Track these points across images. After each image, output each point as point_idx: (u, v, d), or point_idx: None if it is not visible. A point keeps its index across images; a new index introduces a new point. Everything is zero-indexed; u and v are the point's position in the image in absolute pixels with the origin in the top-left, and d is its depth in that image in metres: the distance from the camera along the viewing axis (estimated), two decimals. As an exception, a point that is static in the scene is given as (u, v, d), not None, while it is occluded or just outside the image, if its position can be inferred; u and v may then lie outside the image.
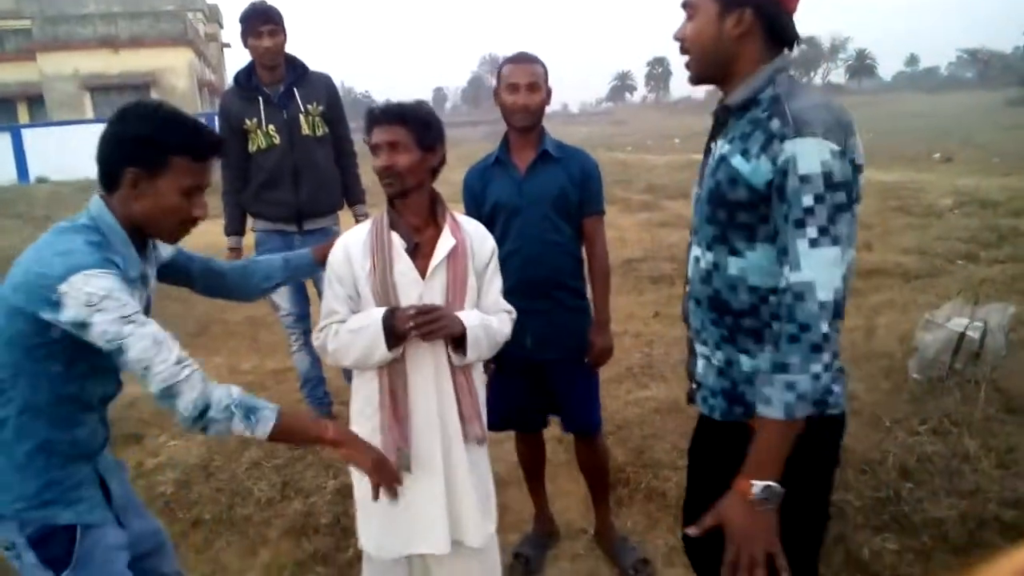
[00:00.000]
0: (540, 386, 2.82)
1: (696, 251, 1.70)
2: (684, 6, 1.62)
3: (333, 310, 2.14)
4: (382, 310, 2.02)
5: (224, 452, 3.89)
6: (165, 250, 1.99)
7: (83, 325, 1.53)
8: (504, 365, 2.67)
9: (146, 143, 1.65)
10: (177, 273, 2.09)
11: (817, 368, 1.42)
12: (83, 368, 1.69)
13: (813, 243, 1.41)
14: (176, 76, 28.20)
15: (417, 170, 2.06)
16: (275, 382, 4.85)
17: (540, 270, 2.67)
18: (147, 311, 1.80)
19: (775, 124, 1.47)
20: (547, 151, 2.69)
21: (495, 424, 2.61)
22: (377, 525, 2.19)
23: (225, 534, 3.28)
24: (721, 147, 1.60)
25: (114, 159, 1.67)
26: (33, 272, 1.57)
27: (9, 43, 28.20)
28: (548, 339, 2.71)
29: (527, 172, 2.69)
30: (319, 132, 3.82)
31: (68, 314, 1.52)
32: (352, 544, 3.00)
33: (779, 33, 1.57)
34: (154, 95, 27.62)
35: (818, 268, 1.41)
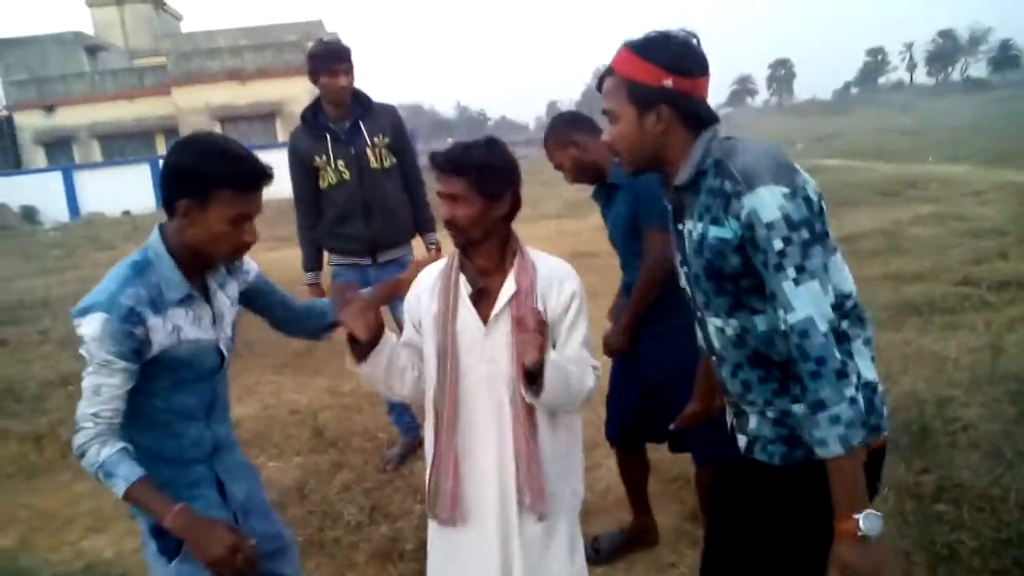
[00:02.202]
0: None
1: (716, 322, 1.72)
2: (604, 113, 1.74)
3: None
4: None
5: (317, 475, 3.99)
6: (250, 272, 2.12)
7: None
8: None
9: (192, 176, 1.76)
10: (256, 299, 2.19)
11: (850, 392, 1.48)
12: (166, 383, 1.86)
13: (796, 282, 1.49)
14: (299, 104, 29.06)
15: (481, 221, 1.93)
16: (370, 404, 4.94)
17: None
18: (215, 323, 1.95)
19: (728, 185, 1.56)
20: (613, 183, 2.85)
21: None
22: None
23: (316, 556, 3.35)
24: (694, 227, 1.67)
25: (168, 190, 1.80)
26: None
27: (148, 79, 30.34)
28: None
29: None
30: (387, 164, 3.86)
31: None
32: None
33: (699, 119, 1.67)
34: (279, 124, 29.11)
35: (809, 304, 1.49)
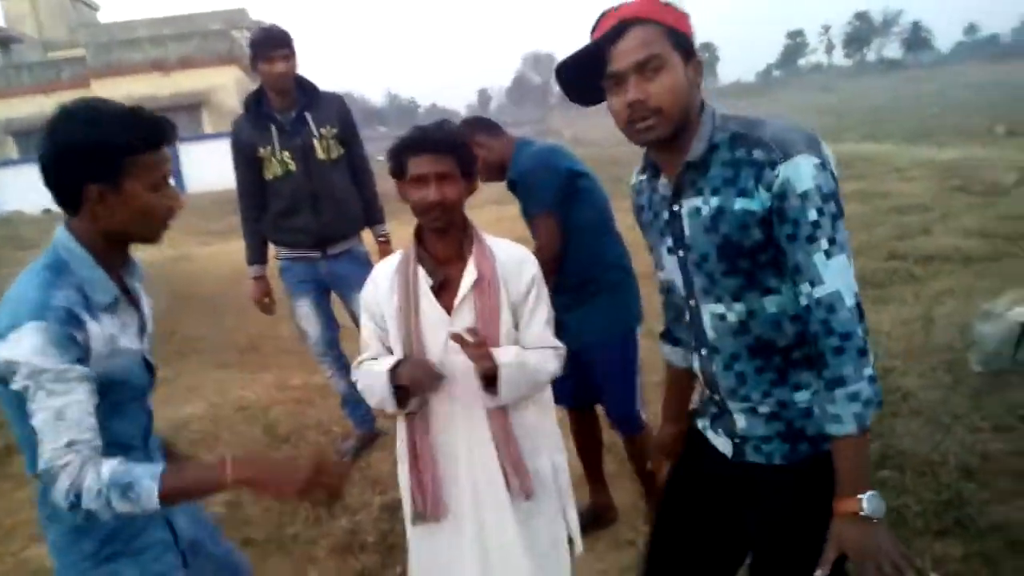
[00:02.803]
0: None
1: (716, 309, 1.62)
2: (642, 65, 1.49)
3: (367, 344, 2.07)
4: (390, 362, 1.92)
5: (272, 471, 3.93)
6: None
7: (3, 379, 1.44)
8: None
9: (96, 152, 1.49)
10: None
11: (869, 371, 1.45)
12: (102, 408, 1.51)
13: (827, 254, 1.44)
14: (226, 94, 28.77)
15: (462, 201, 1.95)
16: (321, 398, 4.88)
17: None
18: (142, 331, 1.70)
19: (759, 154, 1.48)
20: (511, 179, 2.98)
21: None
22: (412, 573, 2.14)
23: (276, 554, 3.30)
24: (704, 204, 1.56)
25: (68, 180, 1.52)
26: None
27: (65, 72, 29.09)
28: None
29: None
30: (334, 155, 3.76)
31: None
32: (398, 561, 2.99)
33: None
34: (205, 115, 28.29)
35: (838, 277, 1.44)
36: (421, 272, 1.96)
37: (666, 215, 1.65)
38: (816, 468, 1.57)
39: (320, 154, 3.70)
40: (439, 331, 1.93)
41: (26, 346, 1.40)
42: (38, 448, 1.42)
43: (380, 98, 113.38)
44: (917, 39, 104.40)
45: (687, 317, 1.72)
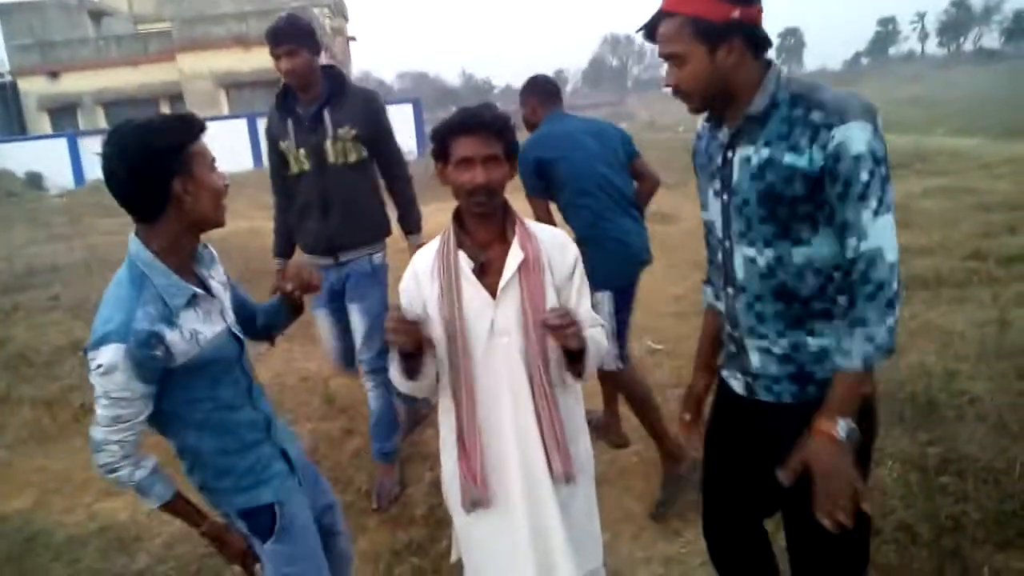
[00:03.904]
0: None
1: (748, 252, 1.77)
2: (669, 57, 1.72)
3: None
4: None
5: (329, 442, 4.05)
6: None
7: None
8: None
9: (168, 151, 1.72)
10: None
11: (891, 322, 1.58)
12: (204, 384, 1.88)
13: (875, 213, 1.57)
14: (304, 70, 29.30)
15: (506, 184, 1.94)
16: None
17: None
18: (222, 311, 1.94)
19: (817, 116, 1.61)
20: None
21: None
22: (468, 564, 2.11)
23: (327, 520, 3.40)
24: (755, 153, 1.70)
25: (155, 184, 1.73)
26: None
27: (152, 45, 30.03)
28: None
29: None
30: (353, 158, 3.37)
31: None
32: (445, 536, 3.05)
33: (761, 44, 1.71)
34: (284, 90, 28.84)
35: (883, 235, 1.57)
36: (462, 255, 1.94)
37: (719, 160, 1.81)
38: (800, 413, 1.72)
39: (331, 157, 3.35)
40: (483, 314, 1.92)
41: (108, 361, 1.69)
42: (92, 424, 1.80)
43: (455, 78, 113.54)
44: (1020, 28, 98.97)
45: (719, 257, 1.88)
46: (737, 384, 1.93)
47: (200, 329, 1.83)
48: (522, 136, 2.53)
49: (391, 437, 3.69)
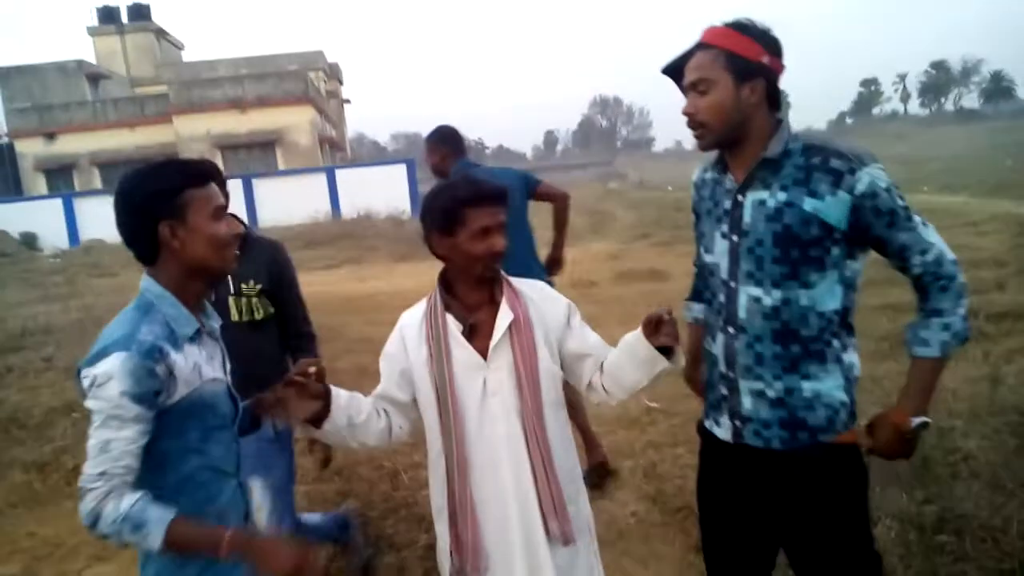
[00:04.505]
0: None
1: (754, 292, 1.84)
2: (695, 84, 1.82)
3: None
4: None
5: (324, 504, 4.00)
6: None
7: (83, 394, 1.63)
8: None
9: (161, 194, 1.68)
10: None
11: (963, 310, 1.72)
12: (197, 432, 1.72)
13: (924, 225, 1.75)
14: (299, 133, 29.80)
15: None
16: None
17: None
18: (224, 365, 1.87)
19: (837, 163, 1.74)
20: None
21: None
22: None
23: (323, 586, 3.35)
24: (771, 197, 1.81)
25: (143, 227, 1.69)
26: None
27: (149, 108, 30.58)
28: None
29: None
30: (259, 315, 2.91)
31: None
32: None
33: (775, 96, 1.84)
34: (279, 152, 29.31)
35: (937, 239, 1.75)
36: (450, 319, 1.96)
37: (727, 204, 1.89)
38: (814, 455, 1.81)
39: (234, 315, 2.87)
40: (475, 375, 1.93)
41: (106, 370, 1.58)
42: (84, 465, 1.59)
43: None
44: (998, 89, 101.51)
45: (721, 297, 1.92)
46: (722, 431, 1.96)
47: (203, 364, 1.74)
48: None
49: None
